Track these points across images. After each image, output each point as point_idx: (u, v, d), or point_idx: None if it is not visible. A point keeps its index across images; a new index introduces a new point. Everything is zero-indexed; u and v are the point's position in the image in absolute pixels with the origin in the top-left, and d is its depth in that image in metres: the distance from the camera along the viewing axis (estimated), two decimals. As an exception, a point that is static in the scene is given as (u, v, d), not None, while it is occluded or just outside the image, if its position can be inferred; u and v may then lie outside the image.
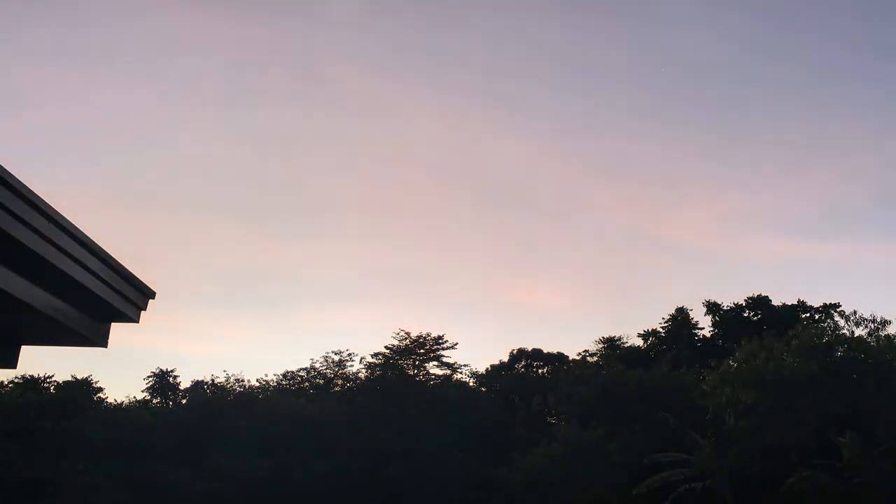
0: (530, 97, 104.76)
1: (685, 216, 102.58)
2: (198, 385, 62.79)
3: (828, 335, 40.53)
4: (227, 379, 63.30)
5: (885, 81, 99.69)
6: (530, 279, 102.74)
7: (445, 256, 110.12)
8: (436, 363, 62.59)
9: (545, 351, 73.81)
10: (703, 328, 61.39)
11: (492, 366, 71.91)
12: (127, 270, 5.64)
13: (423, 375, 62.55)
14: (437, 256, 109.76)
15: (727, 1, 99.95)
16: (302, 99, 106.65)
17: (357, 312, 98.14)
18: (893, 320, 41.10)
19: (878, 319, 40.39)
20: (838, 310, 51.74)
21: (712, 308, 60.06)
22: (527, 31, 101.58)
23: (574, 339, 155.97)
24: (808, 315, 56.19)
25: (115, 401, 59.66)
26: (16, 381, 53.22)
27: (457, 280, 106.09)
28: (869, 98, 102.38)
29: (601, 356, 63.51)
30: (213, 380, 63.04)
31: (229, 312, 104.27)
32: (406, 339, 61.88)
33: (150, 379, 62.89)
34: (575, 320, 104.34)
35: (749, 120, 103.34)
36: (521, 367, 73.58)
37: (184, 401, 61.72)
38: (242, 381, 63.71)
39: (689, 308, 61.76)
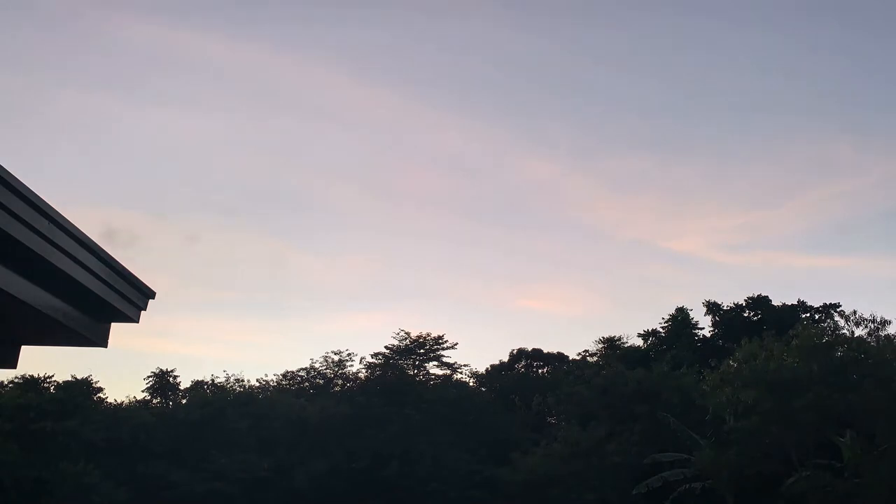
0: (543, 115, 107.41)
1: (690, 230, 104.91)
2: (198, 385, 62.77)
3: (828, 335, 40.44)
4: (227, 379, 63.36)
5: (884, 104, 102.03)
6: (534, 286, 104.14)
7: (451, 260, 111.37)
8: (436, 363, 62.62)
9: (545, 351, 73.87)
10: (703, 328, 61.37)
11: (492, 366, 71.95)
12: (127, 270, 5.64)
13: (423, 375, 62.54)
14: (442, 260, 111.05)
15: (731, 24, 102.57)
16: (313, 110, 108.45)
17: (358, 316, 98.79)
18: (893, 321, 41.17)
19: (878, 319, 40.36)
20: (838, 310, 51.72)
21: (712, 308, 59.98)
22: (542, 53, 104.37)
23: (574, 339, 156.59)
24: (808, 315, 56.14)
25: (115, 401, 59.69)
26: (16, 381, 53.17)
27: (462, 283, 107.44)
28: (868, 120, 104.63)
29: (601, 356, 63.46)
30: (213, 380, 63.07)
31: (230, 315, 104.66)
32: (406, 339, 61.88)
33: (150, 379, 62.86)
34: (576, 323, 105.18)
35: (753, 140, 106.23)
36: (521, 367, 73.56)
37: (184, 401, 61.67)
38: (242, 381, 63.77)
39: (689, 308, 61.80)
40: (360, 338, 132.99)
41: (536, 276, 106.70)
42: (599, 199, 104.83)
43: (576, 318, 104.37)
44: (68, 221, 4.82)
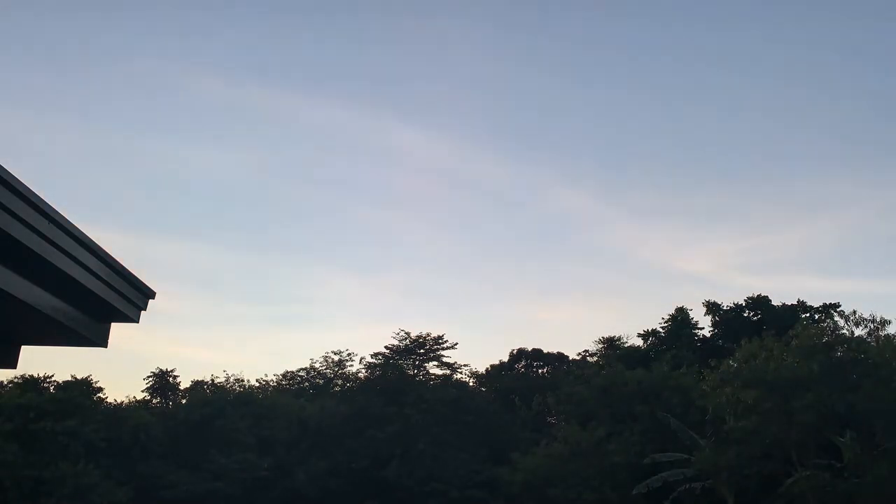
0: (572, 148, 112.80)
1: (699, 254, 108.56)
2: (198, 385, 62.74)
3: (828, 335, 40.43)
4: (227, 379, 63.32)
5: (882, 143, 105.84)
6: (543, 295, 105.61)
7: (461, 269, 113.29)
8: (436, 363, 62.51)
9: (545, 351, 73.83)
10: (703, 328, 61.33)
11: (492, 366, 71.92)
12: (127, 270, 5.63)
13: (423, 375, 62.44)
14: (454, 268, 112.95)
15: (743, 65, 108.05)
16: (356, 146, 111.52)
17: (357, 321, 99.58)
18: (893, 321, 41.19)
19: (878, 319, 40.36)
20: (838, 310, 51.65)
21: (712, 308, 59.91)
22: (565, 91, 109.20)
23: (576, 341, 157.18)
24: (808, 315, 56.04)
25: (115, 401, 59.61)
26: (16, 381, 53.14)
27: (470, 288, 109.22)
28: (866, 156, 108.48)
29: (601, 356, 63.41)
30: (213, 380, 63.02)
31: (230, 317, 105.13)
32: (406, 339, 61.81)
33: (150, 379, 62.86)
34: (580, 328, 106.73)
35: (759, 174, 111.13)
36: (521, 367, 73.54)
37: (184, 401, 61.66)
38: (242, 381, 63.73)
39: (689, 308, 61.75)
40: (363, 343, 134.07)
41: (547, 289, 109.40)
42: (619, 224, 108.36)
43: (580, 323, 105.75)
44: (68, 221, 4.82)
